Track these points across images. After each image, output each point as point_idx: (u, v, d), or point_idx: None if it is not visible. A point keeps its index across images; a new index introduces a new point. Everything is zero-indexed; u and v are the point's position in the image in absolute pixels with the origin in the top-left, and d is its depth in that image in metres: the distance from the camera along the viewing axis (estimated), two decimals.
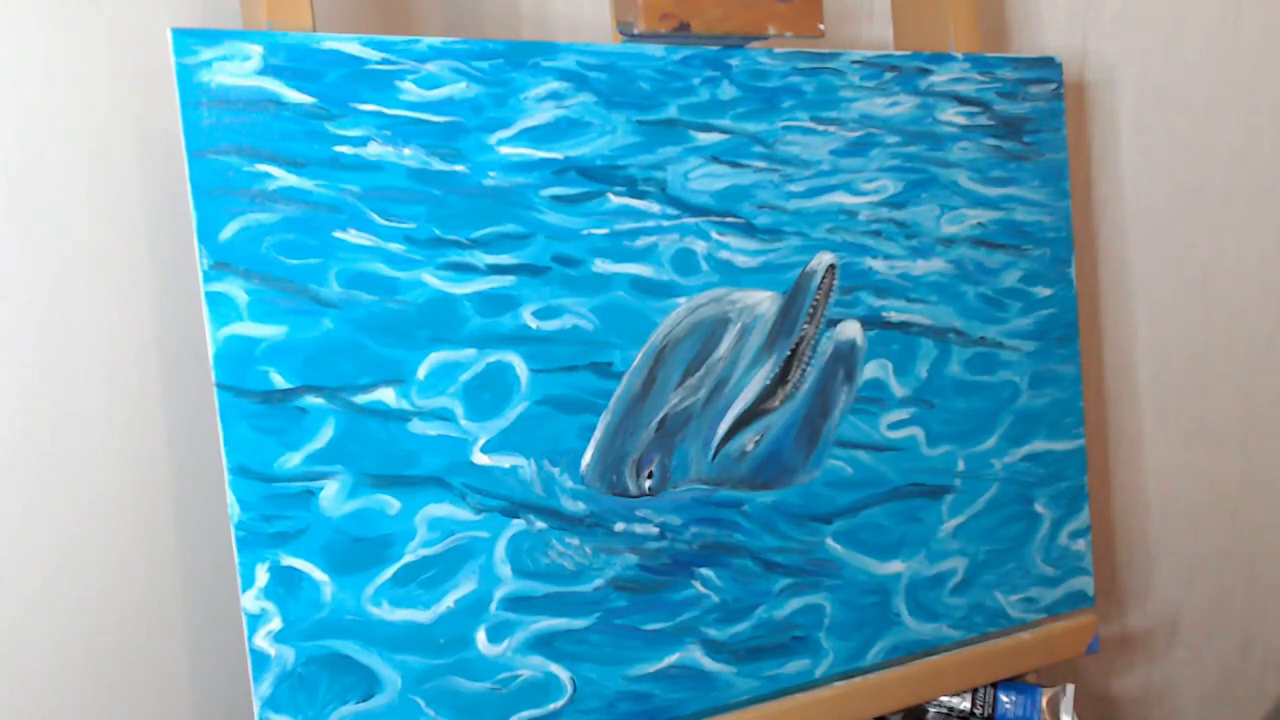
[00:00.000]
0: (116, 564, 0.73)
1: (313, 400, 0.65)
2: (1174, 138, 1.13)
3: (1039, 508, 0.92)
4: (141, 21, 0.71)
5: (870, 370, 0.83)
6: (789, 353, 0.80)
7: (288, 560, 0.64)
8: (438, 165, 0.68)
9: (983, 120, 0.88)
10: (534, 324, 0.71)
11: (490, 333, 0.70)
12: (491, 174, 0.70)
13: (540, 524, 0.72)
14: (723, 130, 0.77)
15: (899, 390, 0.84)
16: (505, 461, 0.70)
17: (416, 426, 0.68)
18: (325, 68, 0.65)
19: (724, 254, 0.77)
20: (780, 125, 0.79)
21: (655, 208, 0.75)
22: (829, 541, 0.82)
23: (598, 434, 0.73)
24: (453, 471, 0.69)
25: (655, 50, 0.75)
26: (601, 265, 0.73)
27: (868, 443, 0.83)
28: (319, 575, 0.65)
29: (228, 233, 0.63)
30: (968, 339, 0.87)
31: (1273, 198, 1.18)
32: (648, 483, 0.75)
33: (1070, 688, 0.92)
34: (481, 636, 0.70)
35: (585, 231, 0.73)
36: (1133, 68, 1.10)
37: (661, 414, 0.75)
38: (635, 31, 0.73)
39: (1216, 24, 1.13)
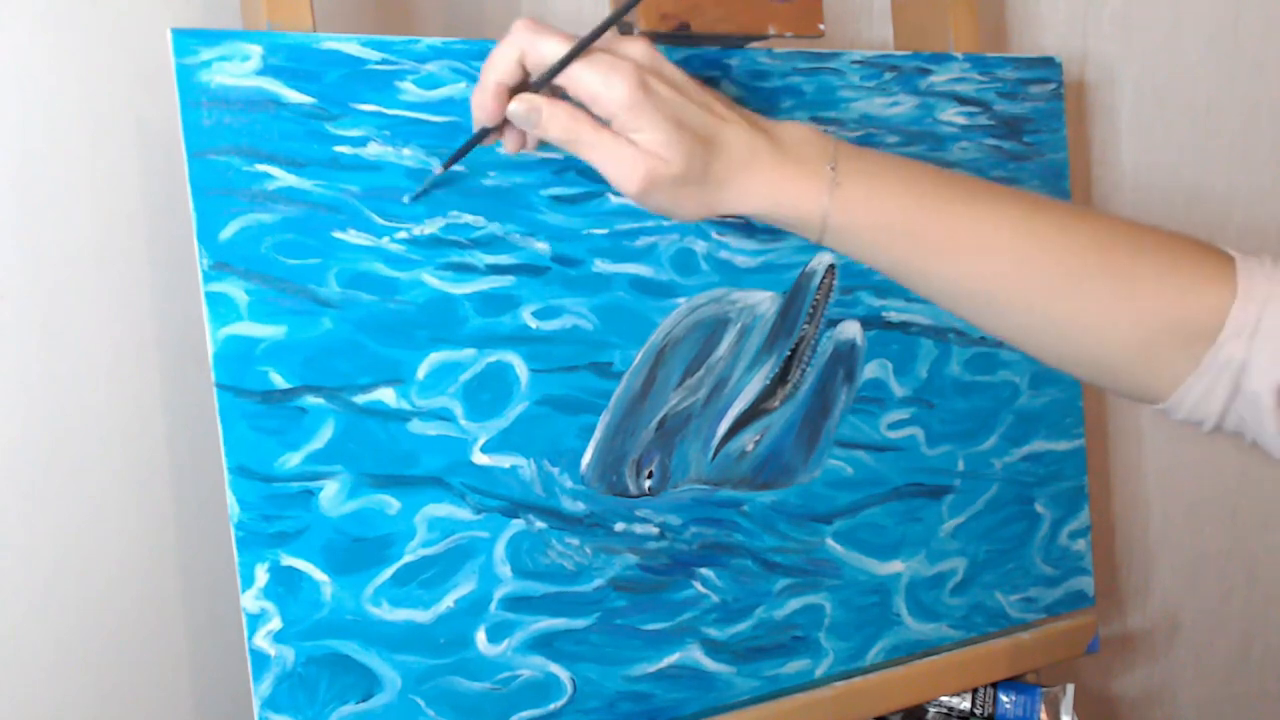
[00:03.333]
0: (116, 564, 0.73)
1: (313, 400, 0.65)
2: (1174, 138, 1.13)
3: (1039, 508, 0.92)
4: (141, 21, 0.71)
5: (870, 370, 0.83)
6: (789, 353, 0.80)
7: (288, 560, 0.65)
8: (437, 165, 0.68)
9: (983, 120, 0.88)
10: (534, 324, 0.71)
11: (490, 333, 0.70)
12: (491, 174, 0.70)
13: (540, 524, 0.72)
14: None
15: (899, 390, 0.84)
16: (505, 461, 0.70)
17: (416, 426, 0.68)
18: (325, 68, 0.65)
19: (724, 254, 0.77)
20: None
21: None
22: (829, 541, 0.82)
23: (598, 434, 0.73)
24: (453, 471, 0.69)
25: None
26: (601, 265, 0.73)
27: (868, 443, 0.83)
28: (319, 575, 0.65)
29: (228, 233, 0.63)
30: (967, 339, 0.87)
31: (1273, 198, 1.18)
32: (648, 483, 0.75)
33: (1070, 688, 0.92)
34: (481, 636, 0.70)
35: (585, 231, 0.73)
36: (1133, 68, 1.10)
37: (661, 414, 0.75)
38: (635, 31, 0.73)
39: (1216, 24, 1.13)
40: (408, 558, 0.68)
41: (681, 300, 0.76)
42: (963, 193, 0.62)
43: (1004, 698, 0.90)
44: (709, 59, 0.76)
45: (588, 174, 0.72)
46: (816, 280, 0.80)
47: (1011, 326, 0.62)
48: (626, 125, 0.58)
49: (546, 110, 0.59)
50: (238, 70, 0.63)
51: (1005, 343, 0.65)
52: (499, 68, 0.59)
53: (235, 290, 0.63)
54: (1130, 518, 1.15)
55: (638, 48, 0.60)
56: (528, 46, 0.59)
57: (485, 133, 0.63)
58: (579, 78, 0.58)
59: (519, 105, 0.59)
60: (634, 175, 0.58)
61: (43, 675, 0.72)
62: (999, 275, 0.60)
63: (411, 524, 0.68)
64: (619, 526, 0.74)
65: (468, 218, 0.69)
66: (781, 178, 0.60)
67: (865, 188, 0.61)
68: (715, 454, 0.78)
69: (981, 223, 0.61)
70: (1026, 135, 0.90)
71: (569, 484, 0.72)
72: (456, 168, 0.68)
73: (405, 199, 0.67)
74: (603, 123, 0.59)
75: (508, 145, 0.64)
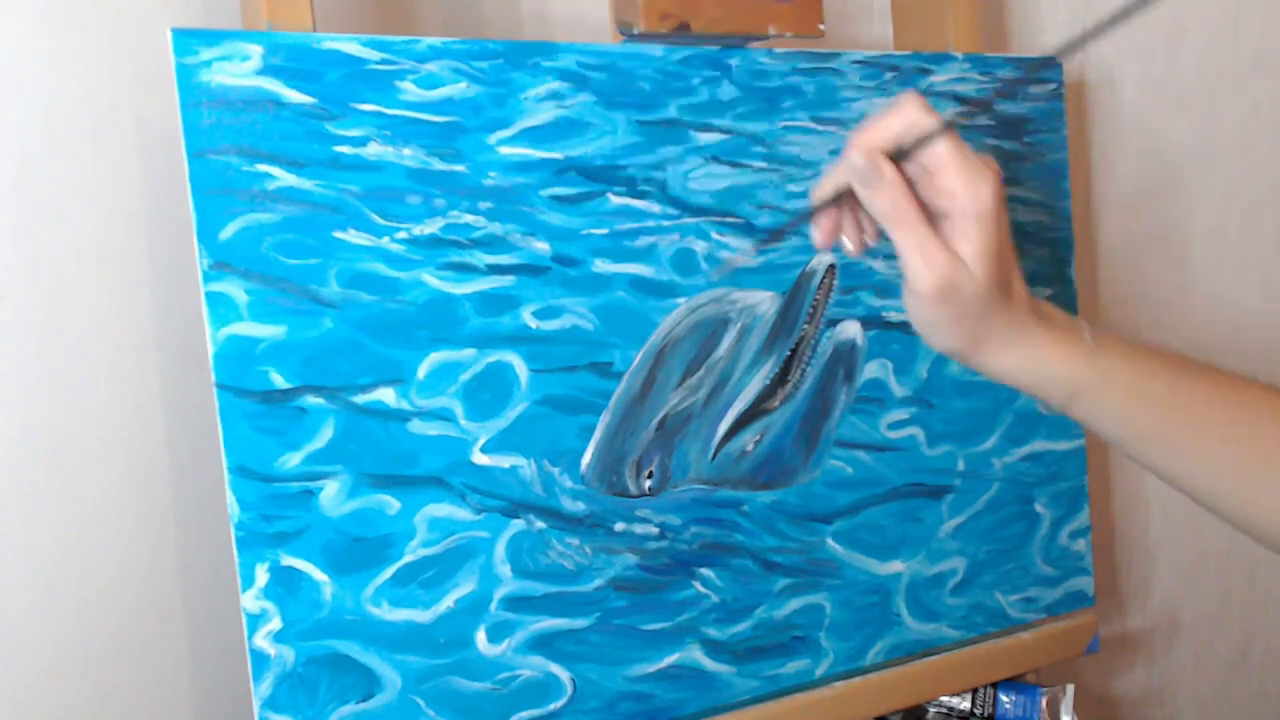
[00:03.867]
0: (116, 564, 0.73)
1: (313, 400, 0.65)
2: (1174, 138, 1.13)
3: (1039, 508, 0.92)
4: (141, 21, 0.71)
5: (870, 370, 0.83)
6: (789, 353, 0.80)
7: (288, 560, 0.65)
8: (438, 165, 0.68)
9: (983, 120, 0.88)
10: (534, 324, 0.71)
11: (490, 333, 0.70)
12: (491, 174, 0.70)
13: (540, 524, 0.72)
14: (723, 130, 0.77)
15: (899, 390, 0.84)
16: (505, 461, 0.70)
17: (416, 426, 0.68)
18: (325, 68, 0.65)
19: (724, 254, 0.77)
20: (780, 125, 0.79)
21: (655, 208, 0.75)
22: (829, 541, 0.82)
23: (598, 434, 0.73)
24: (453, 471, 0.69)
25: (655, 50, 0.75)
26: (601, 265, 0.73)
27: (868, 443, 0.83)
28: (319, 575, 0.65)
29: (228, 233, 0.63)
30: None
31: (1273, 198, 1.18)
32: (648, 483, 0.75)
33: (1070, 688, 0.92)
34: (481, 636, 0.70)
35: (585, 231, 0.73)
36: (1133, 68, 1.10)
37: (661, 414, 0.75)
38: (635, 31, 0.73)
39: (1216, 24, 1.13)
40: (408, 558, 0.68)
41: (681, 300, 0.76)
42: (1209, 371, 0.62)
43: (1004, 698, 0.90)
44: (709, 59, 0.76)
45: (588, 174, 0.72)
46: (816, 280, 0.80)
47: (1257, 515, 0.61)
48: (964, 229, 0.57)
49: (889, 176, 0.57)
50: (238, 70, 0.63)
51: (1249, 536, 0.62)
52: (880, 136, 0.58)
53: (235, 290, 0.63)
54: (1130, 518, 1.15)
55: (995, 162, 0.59)
56: (915, 121, 0.57)
57: (827, 204, 0.61)
58: (950, 163, 0.57)
59: (861, 158, 0.57)
60: (934, 275, 0.57)
61: (43, 675, 0.72)
62: (1252, 456, 0.59)
63: (411, 524, 0.68)
64: (619, 526, 0.74)
65: (468, 218, 0.69)
66: (1042, 339, 0.60)
67: (1122, 356, 0.61)
68: (715, 454, 0.78)
69: (1232, 396, 0.60)
70: (1026, 135, 0.90)
71: (569, 484, 0.72)
72: (457, 167, 0.68)
73: (714, 275, 0.70)
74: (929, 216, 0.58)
75: (846, 246, 0.62)
